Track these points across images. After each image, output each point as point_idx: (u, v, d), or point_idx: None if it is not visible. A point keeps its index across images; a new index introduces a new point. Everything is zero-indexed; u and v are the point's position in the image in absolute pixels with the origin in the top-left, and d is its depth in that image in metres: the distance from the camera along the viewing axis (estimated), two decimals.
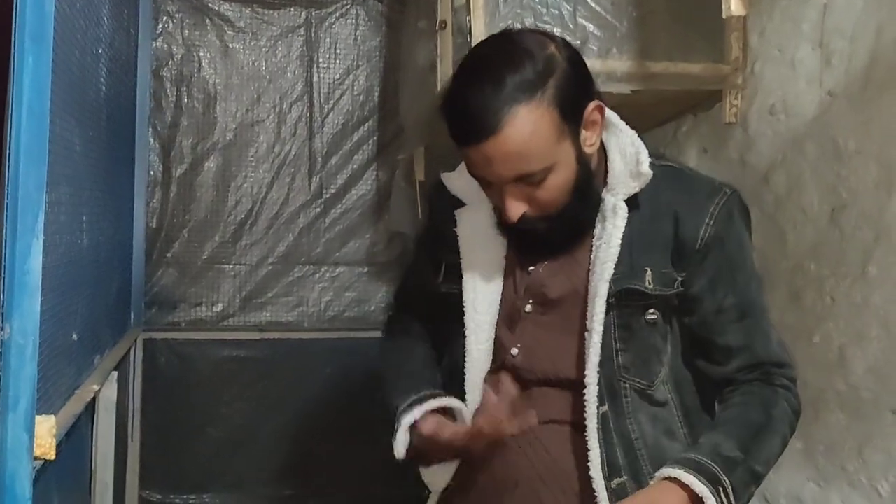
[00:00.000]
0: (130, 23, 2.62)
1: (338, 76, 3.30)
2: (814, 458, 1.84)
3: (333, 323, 3.30)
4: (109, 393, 2.13)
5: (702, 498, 1.16)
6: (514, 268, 1.35)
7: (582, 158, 1.25)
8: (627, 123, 1.35)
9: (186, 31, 3.17)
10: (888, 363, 1.64)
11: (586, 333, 1.27)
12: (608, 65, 2.07)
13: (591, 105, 1.24)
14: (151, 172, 3.12)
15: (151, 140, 3.11)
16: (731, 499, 1.18)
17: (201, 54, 3.18)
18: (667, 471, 1.20)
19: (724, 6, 1.79)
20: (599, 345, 1.26)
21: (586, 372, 1.26)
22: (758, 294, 1.34)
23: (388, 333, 1.56)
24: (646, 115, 1.26)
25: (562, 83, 1.19)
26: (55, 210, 1.40)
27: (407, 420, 1.28)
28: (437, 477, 1.37)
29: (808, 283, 1.86)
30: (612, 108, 1.38)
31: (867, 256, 1.70)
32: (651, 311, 1.29)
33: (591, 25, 2.09)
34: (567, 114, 1.20)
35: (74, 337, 1.64)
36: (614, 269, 1.26)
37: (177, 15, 3.16)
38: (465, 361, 1.34)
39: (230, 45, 3.20)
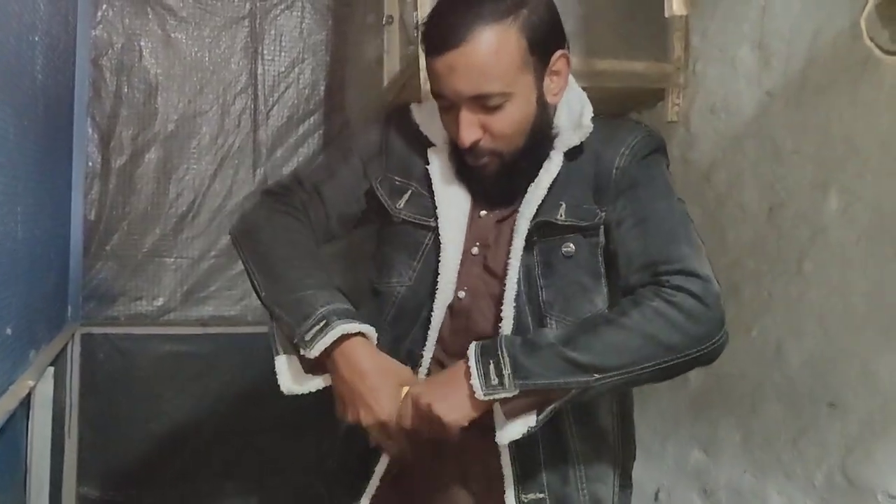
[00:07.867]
0: (69, 10, 2.56)
1: (283, 69, 3.26)
2: (751, 450, 1.88)
3: None
4: (45, 389, 2.08)
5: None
6: (469, 212, 1.36)
7: (543, 102, 1.28)
8: None
9: (127, 20, 3.10)
10: (823, 357, 1.68)
11: (508, 269, 1.29)
12: None
13: (559, 52, 1.28)
14: (90, 163, 3.05)
15: (90, 130, 3.04)
16: (508, 372, 1.15)
17: (142, 44, 3.12)
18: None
19: (666, 6, 1.81)
20: (515, 280, 1.28)
21: (503, 307, 1.28)
22: (667, 207, 1.29)
23: (279, 204, 1.45)
24: None
25: (535, 17, 1.23)
26: None
27: (323, 343, 1.22)
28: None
29: (747, 278, 1.90)
30: None
31: (803, 254, 1.74)
32: (567, 244, 1.30)
33: None
34: (535, 48, 1.23)
35: (8, 331, 1.60)
36: (537, 209, 1.29)
37: (117, 3, 3.09)
38: (434, 299, 1.33)
39: (172, 35, 3.15)
